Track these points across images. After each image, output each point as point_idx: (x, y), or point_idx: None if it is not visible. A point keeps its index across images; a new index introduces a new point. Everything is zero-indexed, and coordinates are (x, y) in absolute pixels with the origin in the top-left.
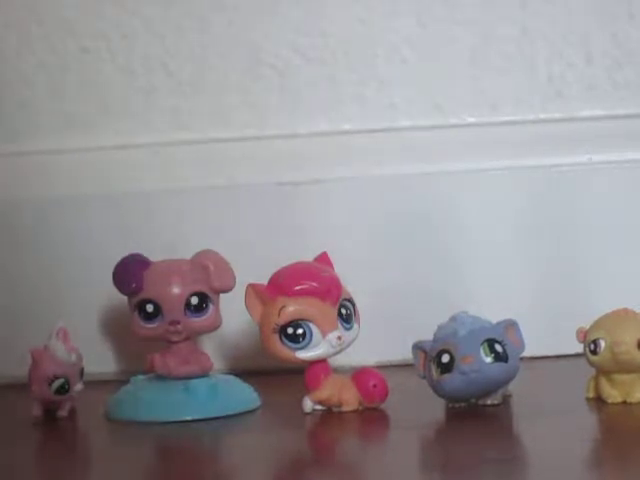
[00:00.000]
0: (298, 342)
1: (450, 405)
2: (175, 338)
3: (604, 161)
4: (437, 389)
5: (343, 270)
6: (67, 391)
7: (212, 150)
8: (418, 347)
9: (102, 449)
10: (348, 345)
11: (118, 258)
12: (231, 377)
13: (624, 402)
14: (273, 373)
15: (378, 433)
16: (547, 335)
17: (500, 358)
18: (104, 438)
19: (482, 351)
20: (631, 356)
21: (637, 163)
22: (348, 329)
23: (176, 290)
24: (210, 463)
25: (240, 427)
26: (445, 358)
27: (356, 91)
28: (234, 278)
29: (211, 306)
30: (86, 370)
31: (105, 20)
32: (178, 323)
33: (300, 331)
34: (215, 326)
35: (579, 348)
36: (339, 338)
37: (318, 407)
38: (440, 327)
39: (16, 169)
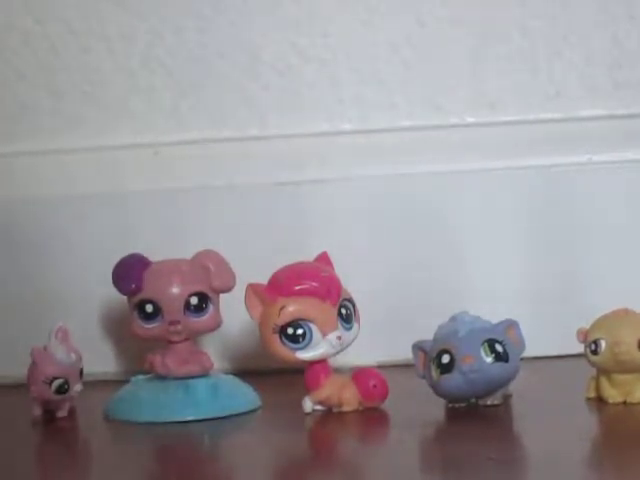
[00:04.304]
0: (298, 342)
1: (450, 405)
2: (175, 338)
3: (604, 161)
4: (437, 389)
5: (343, 270)
6: (67, 391)
7: (212, 150)
8: (418, 347)
9: (102, 449)
10: (348, 345)
11: (118, 258)
12: (231, 377)
13: (624, 402)
14: (273, 373)
15: (378, 433)
16: (547, 335)
17: (500, 358)
18: (104, 438)
19: (482, 351)
20: (631, 356)
21: (637, 163)
22: (348, 329)
23: (176, 290)
24: (210, 463)
25: (240, 427)
26: (445, 358)
27: (356, 91)
28: (234, 278)
29: (211, 306)
30: (86, 370)
31: (105, 20)
32: (178, 323)
33: (300, 331)
34: (215, 326)
35: (579, 348)
36: (339, 338)
37: (318, 407)
38: (440, 327)
39: (16, 169)
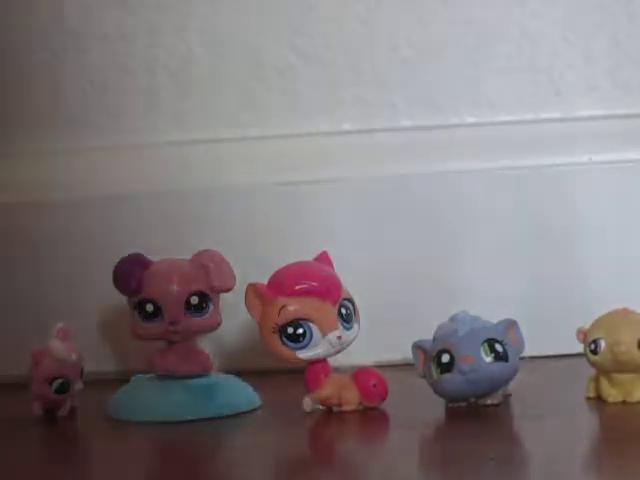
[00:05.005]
0: (298, 342)
1: (450, 405)
2: (175, 338)
3: (604, 161)
4: (437, 389)
5: (343, 270)
6: (67, 391)
7: (212, 150)
8: (418, 347)
9: (102, 449)
10: (348, 345)
11: (118, 258)
12: (231, 377)
13: (624, 402)
14: (273, 373)
15: (378, 433)
16: (547, 335)
17: (500, 358)
18: (104, 438)
19: (482, 351)
20: (631, 356)
21: (637, 163)
22: (348, 329)
23: (176, 290)
24: (210, 463)
25: (240, 427)
26: (445, 358)
27: (356, 91)
28: (234, 278)
29: (211, 306)
30: (86, 370)
31: (105, 20)
32: (178, 323)
33: (300, 331)
34: (215, 326)
35: (579, 348)
36: (339, 338)
37: (318, 407)
38: (440, 327)
39: (16, 169)
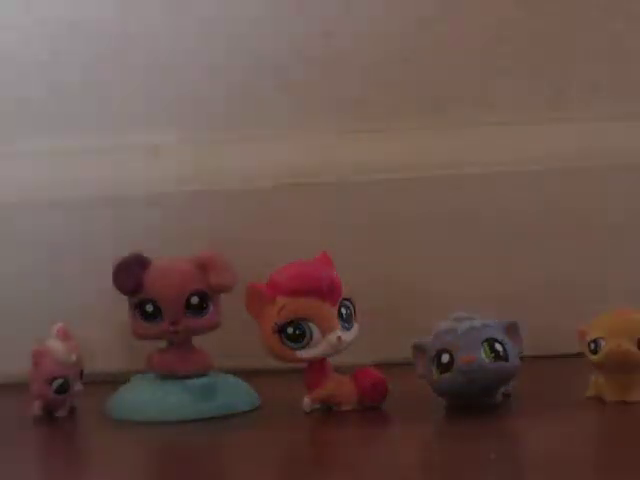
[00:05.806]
0: (298, 342)
1: (450, 404)
2: (175, 338)
3: (604, 161)
4: (437, 389)
5: (343, 270)
6: (67, 391)
7: (212, 150)
8: (418, 347)
9: (102, 449)
10: (348, 345)
11: (118, 258)
12: (231, 376)
13: (624, 401)
14: (273, 373)
15: (378, 433)
16: (547, 335)
17: (500, 358)
18: (104, 438)
19: (482, 351)
20: (631, 356)
21: (637, 163)
22: (348, 329)
23: (176, 290)
24: (209, 463)
25: (239, 426)
26: (445, 358)
27: (357, 92)
28: (234, 277)
29: (211, 306)
30: (86, 370)
31: (106, 20)
32: (178, 323)
33: (300, 331)
34: (215, 326)
35: (579, 348)
36: (339, 338)
37: (318, 406)
38: (440, 326)
39: (16, 169)
